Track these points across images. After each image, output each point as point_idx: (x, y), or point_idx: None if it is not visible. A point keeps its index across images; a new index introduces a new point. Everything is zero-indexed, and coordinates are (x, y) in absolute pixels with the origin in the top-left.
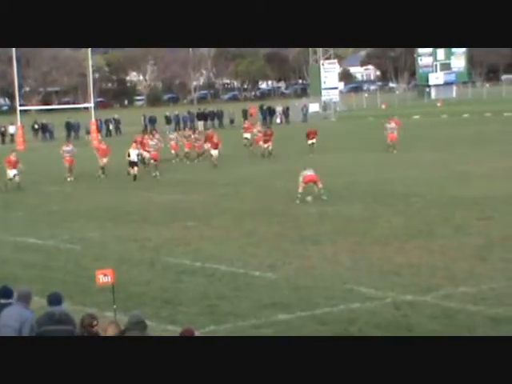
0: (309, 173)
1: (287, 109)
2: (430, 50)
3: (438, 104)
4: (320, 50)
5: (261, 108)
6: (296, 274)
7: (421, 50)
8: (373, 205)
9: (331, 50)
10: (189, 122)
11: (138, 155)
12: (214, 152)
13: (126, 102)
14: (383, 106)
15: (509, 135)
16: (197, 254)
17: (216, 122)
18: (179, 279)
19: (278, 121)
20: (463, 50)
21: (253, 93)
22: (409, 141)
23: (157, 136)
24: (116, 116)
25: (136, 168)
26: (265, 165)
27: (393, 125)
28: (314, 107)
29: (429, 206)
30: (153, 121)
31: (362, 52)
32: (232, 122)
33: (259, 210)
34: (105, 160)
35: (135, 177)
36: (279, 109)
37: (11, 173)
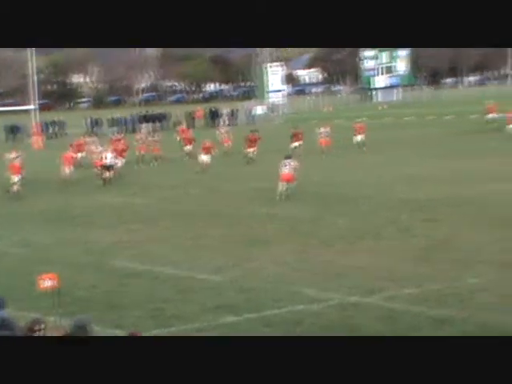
0: (286, 171)
1: (234, 111)
2: (373, 52)
3: (382, 107)
4: (265, 53)
5: (210, 111)
6: (242, 277)
7: (364, 53)
8: (320, 207)
9: (276, 53)
10: (133, 124)
11: (112, 158)
12: (205, 157)
13: (69, 105)
14: (328, 109)
15: (450, 138)
16: (142, 257)
17: (162, 124)
18: (124, 283)
19: (224, 123)
20: (406, 52)
21: (199, 95)
22: (354, 144)
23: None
24: (60, 118)
25: (109, 173)
26: (212, 167)
27: (324, 129)
28: (260, 109)
29: (375, 208)
30: (97, 123)
31: (307, 55)
32: (175, 124)
33: (207, 213)
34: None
35: (105, 181)
36: (225, 111)
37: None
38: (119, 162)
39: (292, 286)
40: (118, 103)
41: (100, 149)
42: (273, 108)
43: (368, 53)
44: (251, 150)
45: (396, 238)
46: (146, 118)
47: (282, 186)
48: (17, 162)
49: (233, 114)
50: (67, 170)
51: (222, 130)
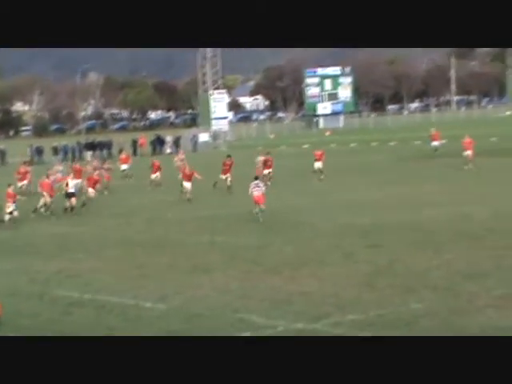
0: (256, 193)
1: (178, 138)
2: (317, 80)
3: (327, 133)
4: (209, 80)
5: (156, 138)
6: (187, 304)
7: (309, 81)
8: (264, 233)
9: (220, 80)
10: (77, 152)
11: (76, 185)
12: (187, 184)
13: (11, 133)
14: (272, 136)
15: (394, 164)
16: (87, 286)
17: (105, 152)
18: (68, 311)
19: (169, 150)
20: (349, 80)
21: (142, 123)
22: (298, 170)
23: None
24: (1, 146)
25: (74, 199)
26: (155, 195)
27: (262, 158)
28: (203, 137)
29: (319, 234)
30: (40, 151)
31: (251, 82)
32: (121, 152)
33: (150, 241)
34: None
35: (72, 209)
36: (169, 138)
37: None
38: (92, 193)
39: (237, 314)
40: (61, 131)
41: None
42: (216, 135)
43: (312, 80)
44: (226, 175)
45: (340, 264)
46: (91, 146)
47: (256, 208)
48: None
49: (176, 142)
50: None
51: (179, 158)
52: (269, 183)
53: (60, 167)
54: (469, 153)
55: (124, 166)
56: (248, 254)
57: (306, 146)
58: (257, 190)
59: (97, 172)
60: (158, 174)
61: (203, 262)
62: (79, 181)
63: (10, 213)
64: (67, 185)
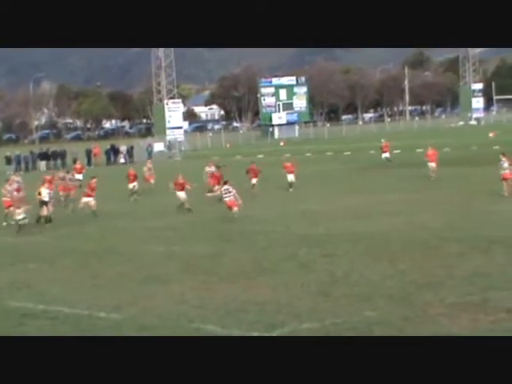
0: (227, 198)
1: (131, 148)
2: (272, 90)
3: (282, 143)
4: (164, 90)
5: (111, 148)
6: (142, 314)
7: (264, 90)
8: (219, 243)
9: (175, 90)
10: (31, 162)
11: (47, 194)
12: (181, 194)
13: None
14: (228, 145)
15: (349, 174)
16: (39, 297)
17: (59, 161)
18: (21, 323)
19: (123, 160)
20: (304, 90)
21: (96, 132)
22: (289, 182)
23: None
24: None
25: (49, 207)
26: (109, 204)
27: (212, 168)
28: (158, 146)
29: (274, 244)
30: None
31: (206, 92)
32: (75, 161)
33: (104, 250)
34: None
35: (49, 218)
36: (123, 148)
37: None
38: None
39: (193, 323)
40: (13, 141)
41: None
42: (171, 145)
43: (267, 90)
44: (254, 180)
45: (295, 274)
46: (45, 156)
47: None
48: None
49: (130, 151)
50: None
51: (147, 167)
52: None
53: (17, 177)
54: (433, 164)
55: (78, 176)
56: (203, 263)
57: (260, 156)
58: (228, 196)
59: (65, 182)
60: (135, 183)
61: (158, 272)
62: (50, 191)
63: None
64: (40, 194)
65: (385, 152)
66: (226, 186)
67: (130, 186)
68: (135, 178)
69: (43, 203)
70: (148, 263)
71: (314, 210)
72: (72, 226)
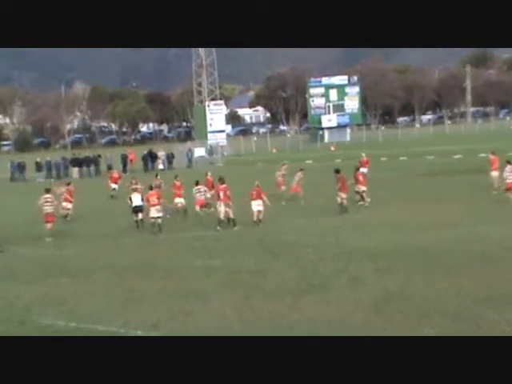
0: (199, 197)
1: (171, 154)
2: (322, 90)
3: (332, 148)
4: (205, 90)
5: (148, 153)
6: (180, 331)
7: (313, 91)
8: (262, 256)
9: (217, 91)
10: (62, 168)
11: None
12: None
13: None
14: (274, 150)
15: (404, 181)
16: (72, 314)
17: (92, 168)
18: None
19: (161, 167)
20: (357, 90)
21: (132, 137)
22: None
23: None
24: None
25: (140, 214)
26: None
27: (283, 171)
28: (199, 152)
29: (322, 257)
30: (21, 167)
31: (251, 93)
32: (110, 168)
33: (141, 264)
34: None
35: (142, 221)
36: (162, 154)
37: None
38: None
39: None
40: (45, 145)
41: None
42: (213, 150)
43: (316, 90)
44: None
45: (347, 289)
46: (77, 162)
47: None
48: None
49: (169, 157)
50: None
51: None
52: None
53: (63, 188)
54: (495, 174)
55: (114, 186)
56: (245, 278)
57: (309, 162)
58: (200, 195)
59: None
60: (116, 186)
61: (197, 287)
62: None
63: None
64: (131, 199)
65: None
66: (197, 187)
67: (113, 185)
68: (118, 179)
69: (137, 209)
70: (186, 277)
71: (367, 220)
72: (107, 237)
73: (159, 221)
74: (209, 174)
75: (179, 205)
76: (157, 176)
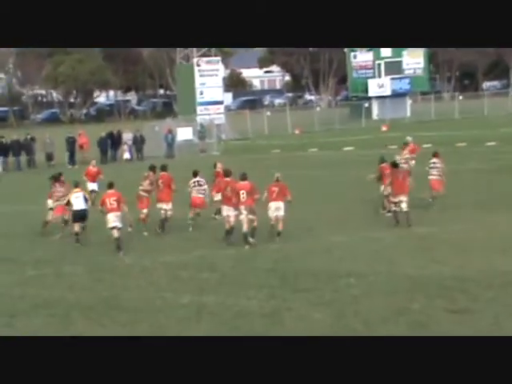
0: (195, 194)
1: (141, 136)
2: None
3: (384, 128)
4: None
5: (110, 135)
6: None
7: None
8: (279, 291)
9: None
10: None
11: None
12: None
13: None
14: (296, 132)
15: (491, 177)
16: None
17: (23, 157)
18: None
19: (127, 156)
20: None
21: (84, 111)
22: (333, 191)
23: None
24: None
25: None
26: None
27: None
28: (184, 133)
29: (370, 292)
30: None
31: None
32: (50, 158)
33: (96, 303)
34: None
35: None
36: (128, 136)
37: None
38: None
39: None
40: None
41: None
42: (205, 131)
43: None
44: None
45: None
46: (1, 149)
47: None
48: None
49: (139, 142)
50: None
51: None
52: None
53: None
54: None
55: (92, 186)
56: (255, 325)
57: (349, 149)
58: (198, 191)
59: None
60: (95, 185)
61: (187, 334)
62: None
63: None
64: (69, 202)
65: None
66: (196, 179)
67: (90, 185)
68: (97, 175)
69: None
70: (165, 323)
71: (434, 234)
72: (45, 263)
73: (116, 234)
74: (219, 165)
75: (163, 212)
76: (152, 169)
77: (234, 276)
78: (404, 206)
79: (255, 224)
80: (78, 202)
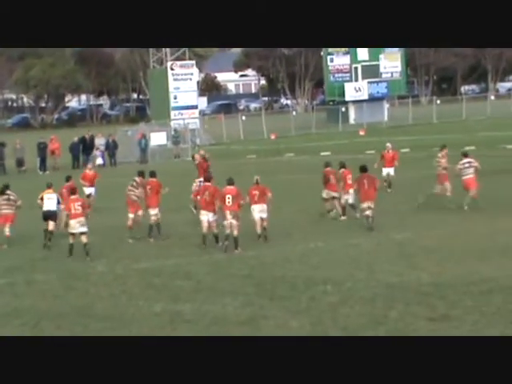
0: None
1: (113, 142)
2: None
3: (361, 132)
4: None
5: (82, 140)
6: None
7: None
8: (256, 299)
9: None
10: None
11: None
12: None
13: None
14: (272, 137)
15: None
16: None
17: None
18: None
19: (100, 161)
20: None
21: (56, 115)
22: (313, 193)
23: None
24: None
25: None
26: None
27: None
28: (158, 138)
29: (348, 299)
30: None
31: (236, 49)
32: (20, 164)
33: (67, 311)
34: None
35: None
36: (101, 141)
37: None
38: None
39: None
40: None
41: None
42: (179, 136)
43: None
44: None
45: None
46: None
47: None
48: None
49: (111, 147)
50: None
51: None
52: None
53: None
54: None
55: (89, 190)
56: (230, 332)
57: (326, 154)
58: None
59: None
60: (93, 189)
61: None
62: None
63: None
64: (42, 199)
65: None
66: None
67: (87, 190)
68: (94, 179)
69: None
70: (139, 332)
71: (414, 240)
72: (15, 272)
73: (84, 239)
74: (197, 156)
75: (153, 218)
76: (141, 175)
77: (210, 283)
78: (369, 212)
79: (236, 233)
80: (49, 202)
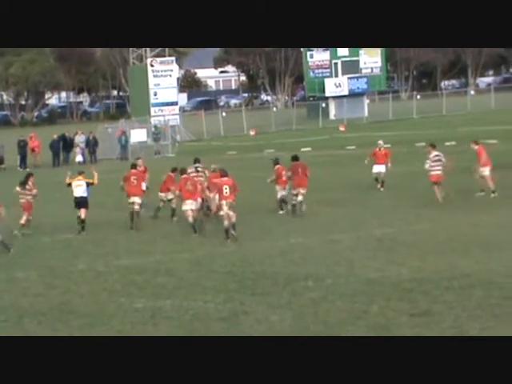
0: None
1: (93, 139)
2: None
3: (341, 128)
4: None
5: (61, 137)
6: None
7: None
8: (237, 295)
9: None
10: None
11: None
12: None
13: None
14: (252, 133)
15: (450, 177)
16: None
17: None
18: None
19: (80, 158)
20: None
21: (35, 113)
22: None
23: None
24: None
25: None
26: (61, 231)
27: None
28: (138, 135)
29: (329, 295)
30: None
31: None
32: (0, 161)
33: (49, 308)
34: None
35: None
36: (81, 139)
37: None
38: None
39: None
40: None
41: None
42: (159, 132)
43: None
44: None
45: None
46: None
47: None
48: None
49: (92, 144)
50: None
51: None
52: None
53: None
54: None
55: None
56: (212, 328)
57: (306, 149)
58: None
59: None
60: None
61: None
62: None
63: None
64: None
65: (379, 163)
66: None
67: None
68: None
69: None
70: (120, 328)
71: (395, 236)
72: (2, 268)
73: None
74: (139, 162)
75: (136, 206)
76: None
77: (192, 280)
78: (300, 198)
79: (233, 220)
80: (78, 190)
